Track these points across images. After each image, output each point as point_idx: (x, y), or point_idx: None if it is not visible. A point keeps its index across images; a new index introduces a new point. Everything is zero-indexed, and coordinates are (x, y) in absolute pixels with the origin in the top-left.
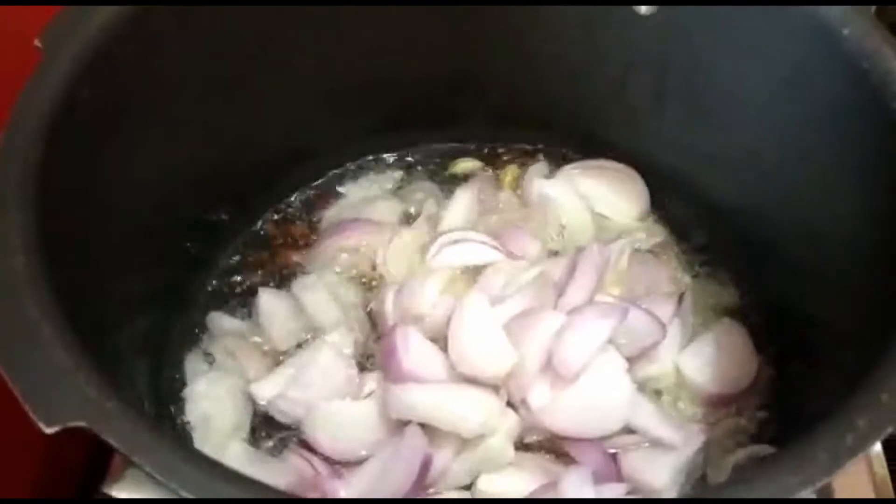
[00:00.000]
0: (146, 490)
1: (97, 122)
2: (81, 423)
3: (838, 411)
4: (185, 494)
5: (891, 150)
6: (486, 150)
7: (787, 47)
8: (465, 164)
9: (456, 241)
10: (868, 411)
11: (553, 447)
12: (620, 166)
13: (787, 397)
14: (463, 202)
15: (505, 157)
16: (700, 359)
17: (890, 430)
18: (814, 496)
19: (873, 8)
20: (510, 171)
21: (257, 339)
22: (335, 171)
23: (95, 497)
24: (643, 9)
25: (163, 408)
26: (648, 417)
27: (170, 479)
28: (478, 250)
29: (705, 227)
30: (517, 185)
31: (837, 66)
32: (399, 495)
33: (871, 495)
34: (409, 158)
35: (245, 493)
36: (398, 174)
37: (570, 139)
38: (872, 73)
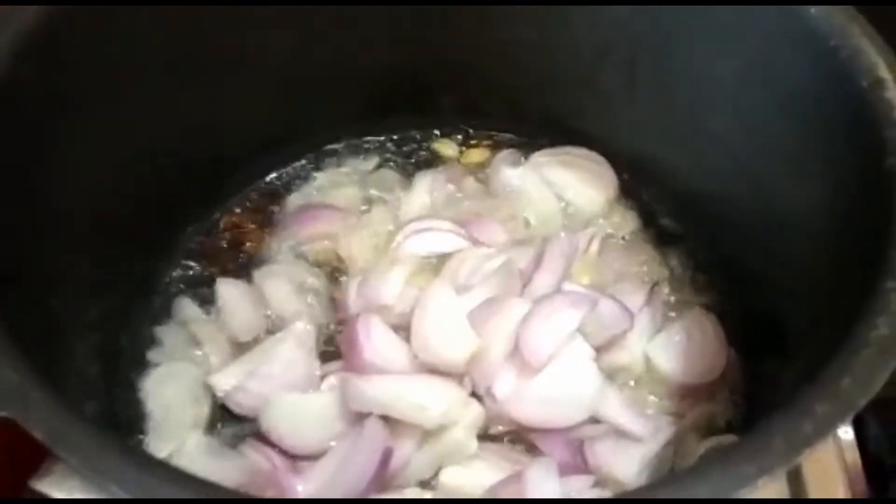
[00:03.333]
0: (74, 485)
1: (40, 108)
2: (4, 414)
3: (798, 399)
4: (115, 490)
5: (859, 131)
6: (460, 137)
7: (754, 27)
8: (443, 147)
9: (421, 230)
10: (827, 398)
11: (519, 437)
12: (588, 153)
13: (756, 388)
14: (423, 188)
15: (478, 145)
16: (670, 349)
17: (850, 416)
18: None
19: None
20: (475, 154)
21: (220, 326)
22: (303, 157)
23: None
24: None
25: (119, 397)
26: (615, 408)
27: (97, 474)
28: (443, 238)
29: (677, 216)
30: (484, 166)
31: (805, 44)
32: (359, 489)
33: (842, 484)
34: (381, 147)
35: (178, 490)
36: (369, 161)
37: (543, 127)
38: (840, 51)
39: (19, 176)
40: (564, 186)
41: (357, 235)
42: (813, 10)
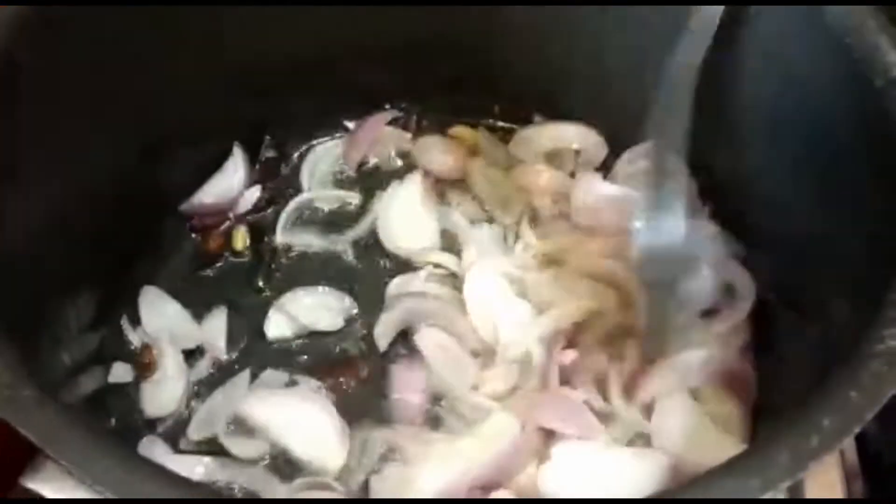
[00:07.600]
0: (66, 483)
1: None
2: None
3: (804, 411)
4: (101, 490)
5: (874, 129)
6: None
7: (769, 21)
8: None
9: None
10: (835, 411)
11: None
12: None
13: (771, 397)
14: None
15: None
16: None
17: (856, 429)
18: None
19: None
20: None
21: None
22: None
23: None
24: None
25: None
26: None
27: (84, 474)
28: None
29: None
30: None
31: (820, 40)
32: None
33: (840, 483)
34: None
35: (166, 490)
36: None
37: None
38: (856, 49)
39: None
40: None
41: None
42: (831, 7)
